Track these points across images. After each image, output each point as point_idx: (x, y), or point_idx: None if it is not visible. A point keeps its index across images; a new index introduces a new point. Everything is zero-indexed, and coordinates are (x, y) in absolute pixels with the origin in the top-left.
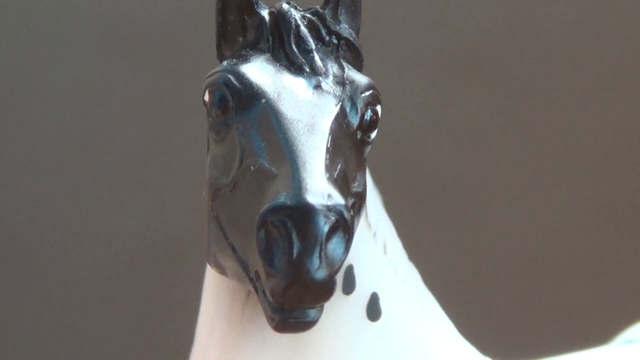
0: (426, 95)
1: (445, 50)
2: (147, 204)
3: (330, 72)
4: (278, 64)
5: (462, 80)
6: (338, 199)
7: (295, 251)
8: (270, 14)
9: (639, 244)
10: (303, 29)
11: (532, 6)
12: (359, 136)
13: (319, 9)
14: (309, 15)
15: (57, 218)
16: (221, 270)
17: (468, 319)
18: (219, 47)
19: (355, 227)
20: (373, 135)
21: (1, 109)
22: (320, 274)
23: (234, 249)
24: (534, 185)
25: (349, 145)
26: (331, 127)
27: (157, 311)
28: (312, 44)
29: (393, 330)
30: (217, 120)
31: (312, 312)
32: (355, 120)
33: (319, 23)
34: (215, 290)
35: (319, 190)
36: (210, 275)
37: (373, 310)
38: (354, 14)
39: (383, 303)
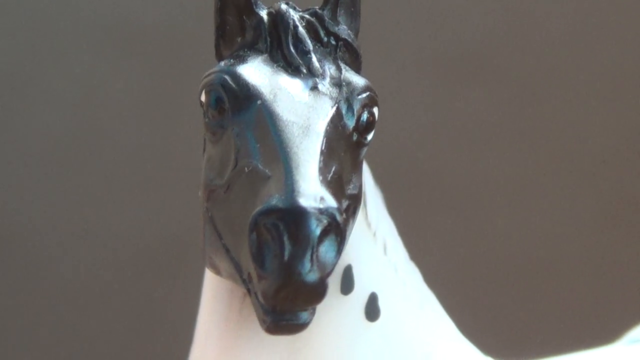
0: (426, 95)
1: (445, 51)
2: (147, 204)
3: (328, 73)
4: (275, 65)
5: (462, 80)
6: (331, 202)
7: (286, 254)
8: (269, 14)
9: None
10: (301, 29)
11: (532, 6)
12: (355, 138)
13: (317, 10)
14: (307, 16)
15: (57, 218)
16: (216, 271)
17: (470, 319)
18: (217, 47)
19: (349, 229)
20: (369, 137)
21: (1, 109)
22: (312, 276)
23: (227, 250)
24: (535, 185)
25: (345, 147)
26: (326, 129)
27: (157, 311)
28: (310, 45)
29: (392, 330)
30: (213, 121)
31: (304, 315)
32: (351, 122)
33: (317, 24)
34: (214, 290)
35: (312, 193)
36: (209, 276)
37: (372, 310)
38: (353, 15)
39: (382, 303)
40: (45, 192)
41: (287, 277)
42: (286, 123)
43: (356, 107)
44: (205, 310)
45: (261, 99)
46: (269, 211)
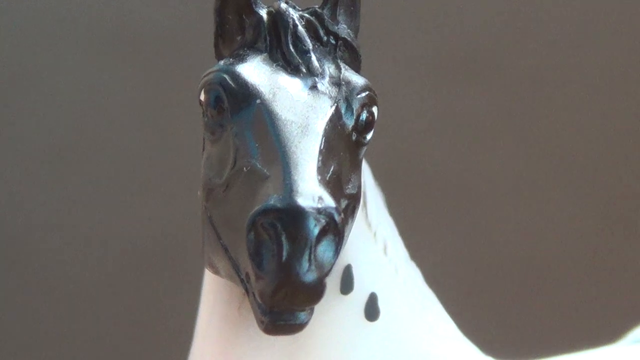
0: (426, 94)
1: (445, 51)
2: (147, 204)
3: (327, 72)
4: (275, 64)
5: (462, 80)
6: (329, 202)
7: (284, 254)
8: (269, 13)
9: None
10: (301, 29)
11: (532, 6)
12: (354, 137)
13: (317, 9)
14: (307, 15)
15: (57, 218)
16: (215, 270)
17: (470, 319)
18: (216, 46)
19: (348, 229)
20: (369, 136)
21: (1, 109)
22: (310, 276)
23: (226, 250)
24: (534, 184)
25: (344, 147)
26: (325, 129)
27: (157, 311)
28: (309, 44)
29: (392, 330)
30: (213, 120)
31: (301, 315)
32: (350, 122)
33: (317, 23)
34: (213, 289)
35: (310, 192)
36: (209, 275)
37: (371, 310)
38: (353, 14)
39: (382, 303)
40: (45, 192)
41: (285, 277)
42: (285, 122)
43: (355, 106)
44: (204, 310)
45: (260, 98)
46: (267, 211)
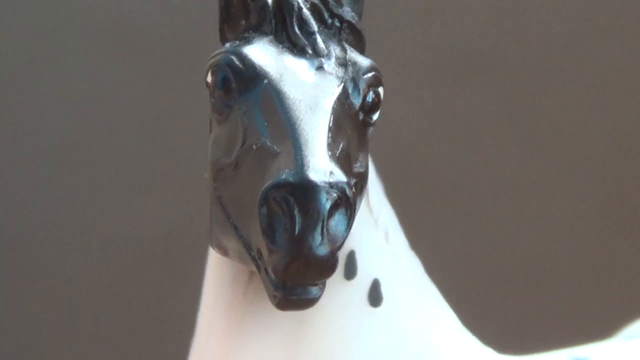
0: (426, 94)
1: (444, 50)
2: (147, 203)
3: (333, 53)
4: (281, 46)
5: (462, 80)
6: (340, 176)
7: (297, 227)
8: None
9: None
10: (305, 11)
11: (532, 6)
12: (361, 117)
13: None
14: None
15: (57, 218)
16: (223, 251)
17: (468, 314)
18: (221, 30)
19: (357, 205)
20: (375, 116)
21: (1, 110)
22: (322, 250)
23: (236, 229)
24: (534, 184)
25: (351, 126)
26: (333, 107)
27: (158, 310)
28: (314, 26)
29: (394, 317)
30: (220, 101)
31: (314, 289)
32: (357, 101)
33: (321, 6)
34: (218, 275)
35: (321, 167)
36: (213, 261)
37: (374, 296)
38: None
39: (384, 289)
40: (45, 192)
41: (298, 251)
42: (294, 101)
43: (362, 86)
44: (208, 297)
45: (268, 78)
46: (280, 185)
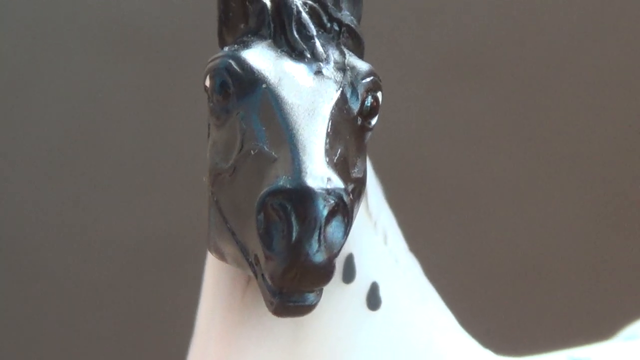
0: (426, 94)
1: (445, 50)
2: (146, 203)
3: (331, 58)
4: (279, 50)
5: (461, 80)
6: (338, 183)
7: (294, 234)
8: (272, 0)
9: None
10: (304, 15)
11: (532, 6)
12: (359, 122)
13: None
14: (310, 2)
15: (57, 218)
16: (221, 256)
17: (468, 315)
18: (220, 33)
19: (355, 212)
20: (374, 121)
21: (1, 110)
22: (319, 257)
23: (233, 234)
24: (534, 185)
25: (350, 131)
26: (331, 112)
27: (157, 311)
28: (313, 30)
29: (393, 320)
30: (218, 105)
31: (310, 296)
32: (355, 106)
33: (320, 10)
34: (216, 278)
35: (319, 173)
36: (211, 264)
37: (373, 299)
38: (356, 2)
39: (383, 292)
40: (45, 192)
41: (295, 258)
42: (292, 106)
43: (360, 91)
44: (206, 300)
45: (266, 82)
46: (277, 191)
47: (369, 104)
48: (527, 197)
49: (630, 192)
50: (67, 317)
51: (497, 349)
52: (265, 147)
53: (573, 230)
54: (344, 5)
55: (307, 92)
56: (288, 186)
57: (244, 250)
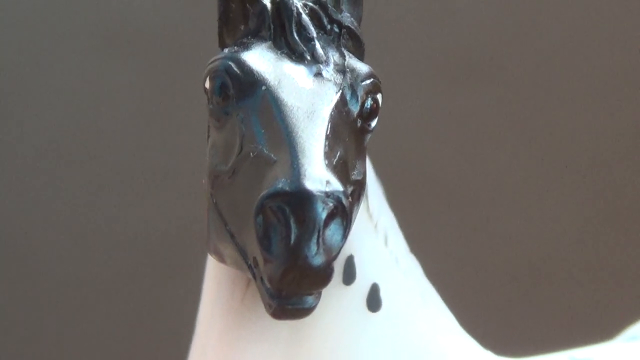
0: (426, 94)
1: (445, 50)
2: (146, 203)
3: (331, 60)
4: (279, 52)
5: (462, 81)
6: (336, 186)
7: (293, 237)
8: (272, 2)
9: None
10: (304, 17)
11: (532, 6)
12: (359, 124)
13: None
14: (310, 4)
15: (57, 218)
16: (220, 257)
17: (469, 316)
18: (220, 35)
19: (354, 214)
20: (373, 123)
21: (1, 109)
22: (318, 260)
23: (232, 236)
24: (534, 186)
25: (349, 133)
26: (331, 115)
27: (157, 311)
28: (313, 32)
29: (393, 321)
30: (218, 107)
31: (309, 299)
32: (355, 108)
33: (320, 12)
34: (216, 280)
35: (318, 176)
36: (211, 265)
37: (373, 300)
38: (356, 3)
39: (383, 294)
40: (45, 192)
41: (293, 261)
42: (291, 108)
43: (360, 93)
44: (207, 301)
45: (266, 84)
46: (276, 194)
47: (368, 106)
48: (528, 198)
49: (631, 192)
50: (67, 317)
51: (499, 349)
52: (264, 149)
53: (574, 230)
54: (344, 6)
55: (306, 94)
56: (287, 189)
57: (242, 253)
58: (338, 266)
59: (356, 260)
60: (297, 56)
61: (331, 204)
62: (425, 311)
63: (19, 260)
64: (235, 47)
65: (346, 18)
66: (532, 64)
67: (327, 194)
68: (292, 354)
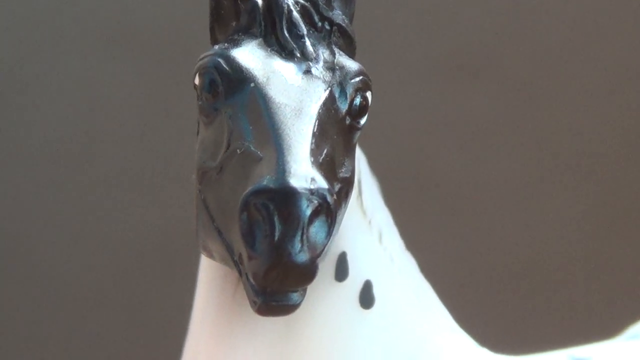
0: (426, 95)
1: (444, 50)
2: (145, 204)
3: (321, 57)
4: (269, 49)
5: (461, 80)
6: (322, 183)
7: (277, 234)
8: None
9: None
10: (295, 14)
11: (532, 6)
12: (348, 122)
13: None
14: (301, 1)
15: (57, 218)
16: (209, 253)
17: (467, 315)
18: (212, 31)
19: (341, 212)
20: (362, 121)
21: (1, 109)
22: (302, 257)
23: (219, 232)
24: (533, 185)
25: (337, 131)
26: (319, 112)
27: (157, 310)
28: (303, 29)
29: (387, 319)
30: (207, 104)
31: (294, 296)
32: (344, 106)
33: (311, 9)
34: (208, 276)
35: (303, 173)
36: (204, 263)
37: (366, 297)
38: (348, 1)
39: (377, 291)
40: (45, 192)
41: (277, 258)
42: (279, 105)
43: (349, 91)
44: (200, 298)
45: (254, 81)
46: (260, 191)
47: (357, 104)
48: (527, 197)
49: (631, 192)
50: (67, 317)
51: (498, 348)
52: (251, 146)
53: (574, 230)
54: (335, 4)
55: (295, 91)
56: (271, 186)
57: (229, 249)
58: (330, 263)
59: (349, 257)
60: (287, 53)
61: (316, 202)
62: (419, 308)
63: (19, 260)
64: (226, 44)
65: (337, 15)
66: (532, 64)
67: (312, 192)
68: (284, 350)
